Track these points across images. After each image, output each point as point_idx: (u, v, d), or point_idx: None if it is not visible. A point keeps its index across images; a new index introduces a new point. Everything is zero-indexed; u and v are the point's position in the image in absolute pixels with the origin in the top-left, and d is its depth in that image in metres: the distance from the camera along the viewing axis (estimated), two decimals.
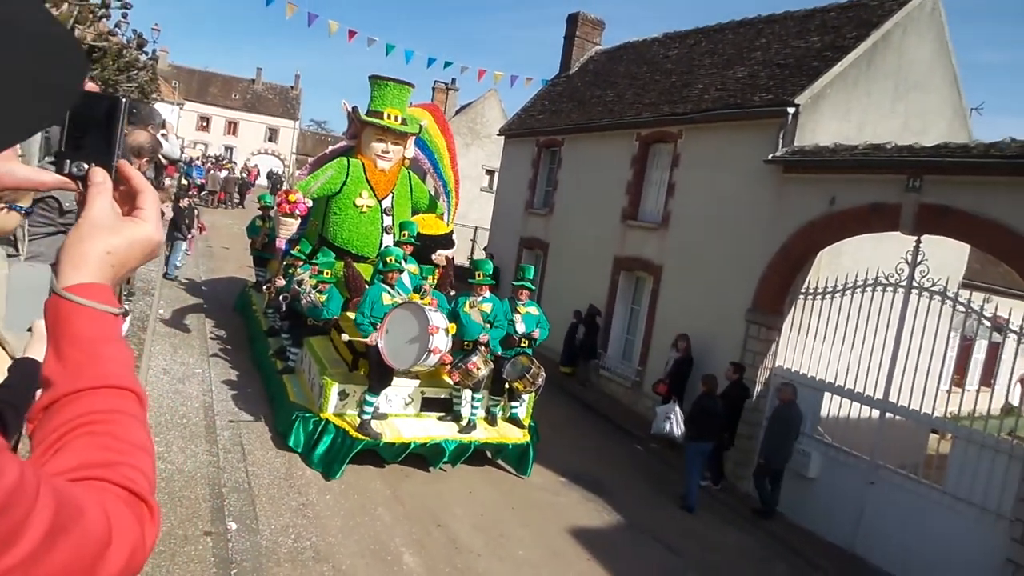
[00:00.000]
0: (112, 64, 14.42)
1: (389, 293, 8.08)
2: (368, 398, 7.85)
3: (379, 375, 7.87)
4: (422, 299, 8.11)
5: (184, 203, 15.30)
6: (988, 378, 18.38)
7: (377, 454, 7.89)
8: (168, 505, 6.15)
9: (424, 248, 9.95)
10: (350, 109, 10.50)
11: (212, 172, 31.72)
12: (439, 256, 10.32)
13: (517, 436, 8.83)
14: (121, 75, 14.84)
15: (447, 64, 21.22)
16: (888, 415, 9.05)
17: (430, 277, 9.58)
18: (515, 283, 9.01)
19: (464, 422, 8.54)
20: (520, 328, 8.79)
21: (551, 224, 16.77)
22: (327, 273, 9.35)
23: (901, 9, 11.48)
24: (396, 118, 10.10)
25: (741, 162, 11.45)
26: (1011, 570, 7.27)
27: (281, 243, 10.52)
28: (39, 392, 0.98)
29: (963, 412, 9.07)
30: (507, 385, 8.73)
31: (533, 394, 8.94)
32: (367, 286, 9.68)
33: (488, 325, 8.42)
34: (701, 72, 14.26)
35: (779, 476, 9.35)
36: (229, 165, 38.31)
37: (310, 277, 9.34)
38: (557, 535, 7.50)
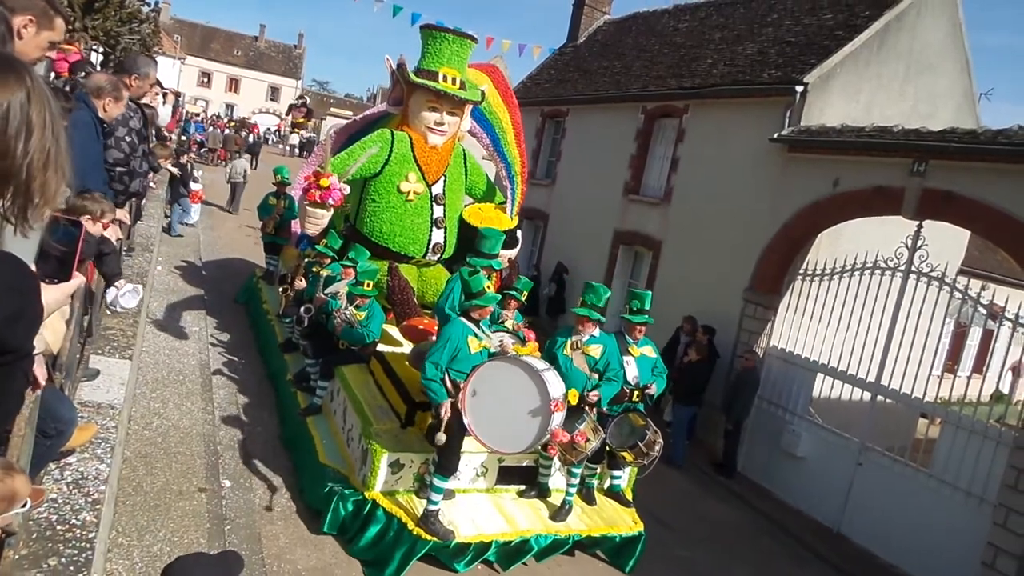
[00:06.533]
0: (114, 15, 14.25)
1: (476, 336, 5.69)
2: (437, 483, 5.62)
3: (456, 450, 5.69)
4: (522, 343, 6.28)
5: (184, 159, 15.25)
6: (980, 365, 18.52)
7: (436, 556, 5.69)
8: (164, 460, 6.22)
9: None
10: (395, 67, 8.33)
11: (213, 129, 31.50)
12: (500, 258, 8.09)
13: (627, 524, 6.57)
14: (123, 27, 14.66)
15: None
16: (879, 398, 9.12)
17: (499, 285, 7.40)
18: (628, 317, 6.70)
19: (559, 503, 6.44)
20: (632, 375, 6.57)
21: (553, 195, 16.70)
22: (367, 284, 7.23)
23: None
24: (454, 81, 8.06)
25: (746, 140, 11.37)
26: (992, 553, 7.39)
27: (297, 227, 8.70)
28: None
29: (954, 398, 9.14)
30: (607, 449, 6.55)
31: (643, 467, 6.56)
32: (413, 297, 7.96)
33: (596, 375, 6.12)
34: (710, 47, 14.09)
35: (738, 434, 10.11)
36: (233, 124, 38.00)
37: (346, 287, 7.47)
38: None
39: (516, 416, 5.37)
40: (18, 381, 1.51)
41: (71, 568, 2.94)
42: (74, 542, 3.11)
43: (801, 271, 10.44)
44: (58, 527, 3.18)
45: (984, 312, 8.69)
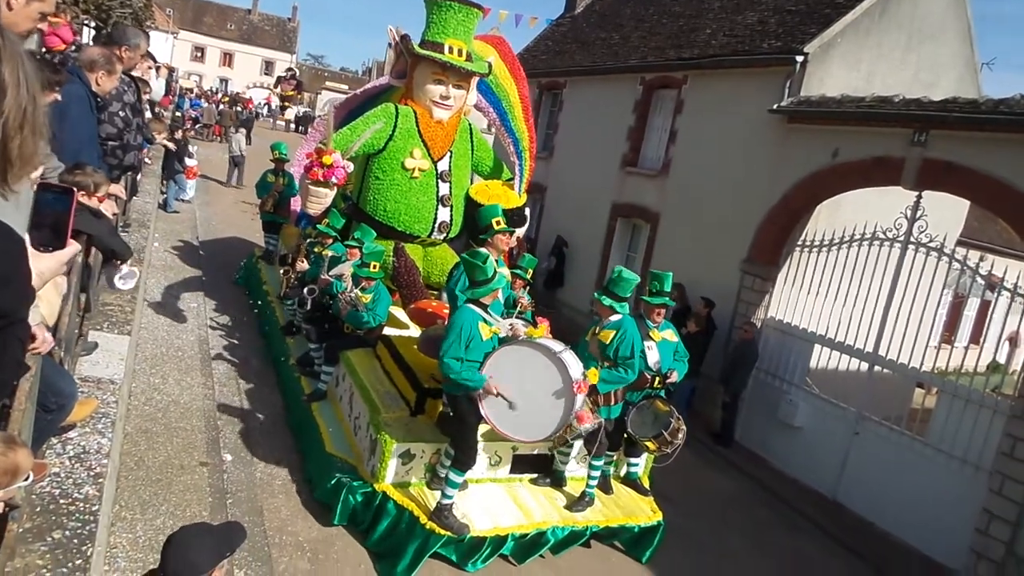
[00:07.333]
0: None
1: (486, 322, 5.35)
2: (453, 477, 5.41)
3: (473, 444, 5.46)
4: (534, 327, 6.13)
5: (179, 135, 15.16)
6: (978, 335, 18.59)
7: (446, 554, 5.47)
8: (165, 435, 6.25)
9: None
10: (398, 39, 8.00)
11: (208, 105, 31.29)
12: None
13: (646, 514, 6.41)
14: (114, 0, 14.44)
15: None
16: (876, 368, 9.17)
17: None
18: (647, 299, 6.42)
19: (574, 492, 6.29)
20: (653, 361, 6.31)
21: (550, 168, 16.60)
22: (374, 266, 6.92)
23: None
24: (460, 52, 7.74)
25: (746, 111, 11.27)
26: (987, 519, 7.48)
27: (297, 204, 8.36)
28: None
29: (951, 368, 9.19)
30: (624, 435, 6.36)
31: (664, 455, 6.19)
32: (419, 278, 7.72)
33: (607, 364, 5.80)
34: (709, 16, 13.92)
35: (736, 405, 10.23)
36: (226, 99, 37.65)
37: (351, 268, 7.18)
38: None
39: (537, 402, 5.12)
40: (13, 348, 1.48)
41: (75, 541, 2.95)
42: (77, 515, 3.13)
43: (800, 242, 10.42)
44: (61, 501, 3.19)
45: (982, 282, 8.70)
